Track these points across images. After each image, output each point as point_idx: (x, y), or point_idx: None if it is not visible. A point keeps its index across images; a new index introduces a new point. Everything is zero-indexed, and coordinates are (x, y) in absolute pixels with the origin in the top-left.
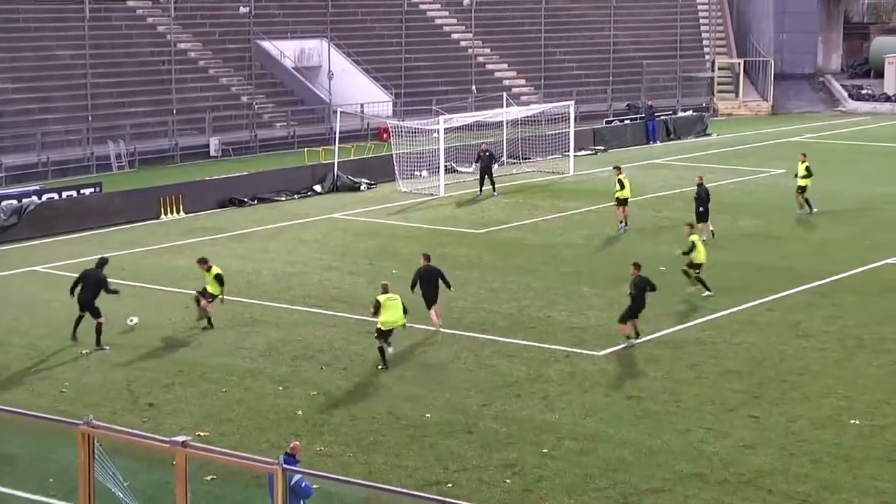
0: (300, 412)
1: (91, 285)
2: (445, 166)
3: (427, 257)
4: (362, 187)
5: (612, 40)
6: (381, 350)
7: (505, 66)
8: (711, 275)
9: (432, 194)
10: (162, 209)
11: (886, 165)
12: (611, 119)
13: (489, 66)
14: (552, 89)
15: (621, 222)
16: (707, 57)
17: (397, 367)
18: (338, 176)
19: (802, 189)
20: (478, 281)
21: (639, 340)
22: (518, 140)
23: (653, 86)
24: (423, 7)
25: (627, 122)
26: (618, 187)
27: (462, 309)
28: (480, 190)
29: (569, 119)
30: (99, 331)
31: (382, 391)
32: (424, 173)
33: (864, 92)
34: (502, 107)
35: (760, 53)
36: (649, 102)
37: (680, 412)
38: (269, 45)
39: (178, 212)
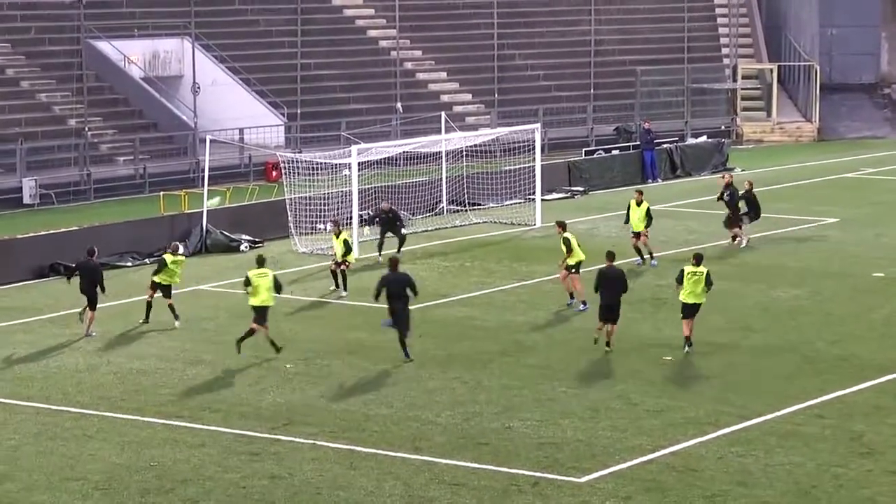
0: None
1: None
2: (361, 216)
3: (395, 262)
4: (243, 247)
5: (594, 38)
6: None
7: (443, 74)
8: (733, 362)
9: None
10: None
11: None
12: (593, 149)
13: (421, 76)
14: (510, 107)
15: (572, 297)
16: (727, 61)
17: (287, 499)
18: (208, 231)
19: (637, 235)
20: (408, 378)
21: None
22: (463, 179)
23: (651, 102)
24: None
25: (616, 152)
26: (564, 250)
27: (386, 419)
28: (380, 252)
29: (534, 149)
30: None
31: None
32: (330, 226)
33: None
34: (440, 132)
35: (801, 56)
36: (646, 125)
37: None
38: (107, 47)
39: None
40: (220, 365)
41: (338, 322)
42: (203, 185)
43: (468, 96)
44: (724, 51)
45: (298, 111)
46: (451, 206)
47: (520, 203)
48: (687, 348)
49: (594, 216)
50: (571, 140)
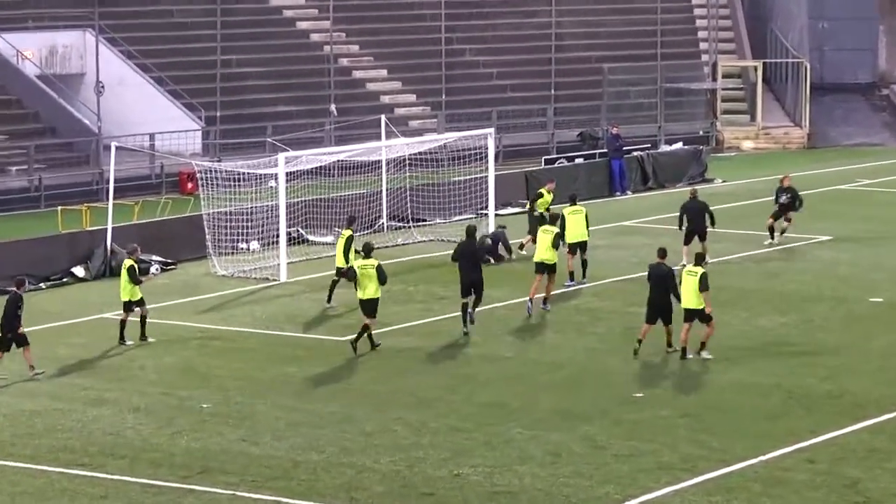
0: None
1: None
2: (290, 234)
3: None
4: (153, 269)
5: (555, 32)
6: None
7: (384, 72)
8: (712, 400)
9: (269, 279)
10: None
11: None
12: (554, 157)
13: (358, 74)
14: (460, 110)
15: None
16: (705, 58)
17: None
18: (112, 251)
19: (574, 247)
20: (342, 420)
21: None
22: (406, 191)
23: (620, 104)
24: None
25: (580, 161)
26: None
27: (316, 465)
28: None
29: (486, 157)
30: None
31: None
32: (255, 246)
33: None
34: (379, 138)
35: (789, 53)
36: (614, 131)
37: None
38: None
39: None
40: (126, 404)
41: (263, 355)
42: (108, 199)
43: (412, 97)
44: (703, 46)
45: (218, 114)
46: (393, 223)
47: (470, 218)
48: (689, 355)
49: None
50: (529, 147)
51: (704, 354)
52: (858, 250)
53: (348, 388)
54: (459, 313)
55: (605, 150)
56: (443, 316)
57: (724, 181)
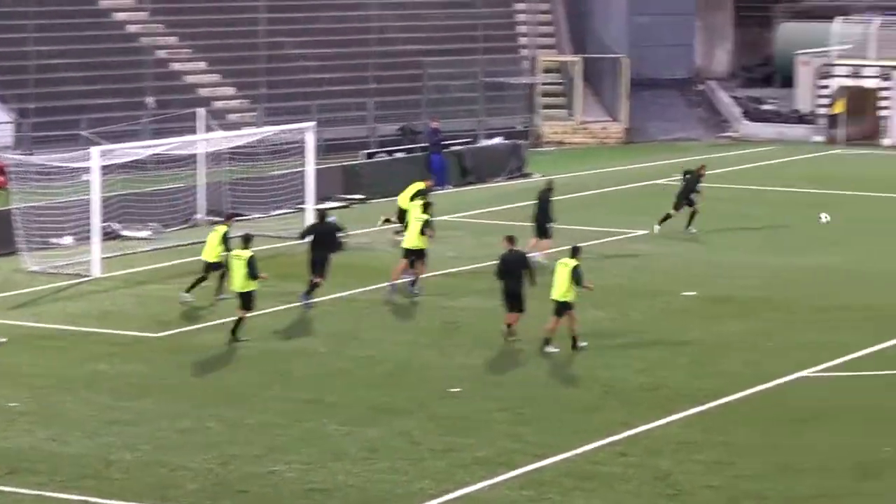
0: None
1: None
2: (104, 229)
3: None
4: None
5: (376, 25)
6: None
7: (202, 65)
8: (529, 394)
9: (81, 275)
10: None
11: (806, 224)
12: (374, 151)
13: (176, 66)
14: (280, 103)
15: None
16: (525, 53)
17: None
18: None
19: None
20: (154, 416)
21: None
22: (223, 185)
23: (440, 98)
24: None
25: (401, 155)
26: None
27: (129, 464)
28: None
29: (306, 151)
30: None
31: None
32: (68, 240)
33: (765, 108)
34: (197, 131)
35: (608, 48)
36: (434, 125)
37: None
38: None
39: None
40: None
41: (75, 352)
42: None
43: (231, 90)
44: (523, 41)
45: (31, 107)
46: (209, 217)
47: (289, 214)
48: (548, 348)
49: (371, 228)
50: (350, 141)
51: (580, 344)
52: (674, 245)
53: (162, 385)
54: (274, 308)
55: (425, 145)
56: (258, 312)
57: (542, 175)
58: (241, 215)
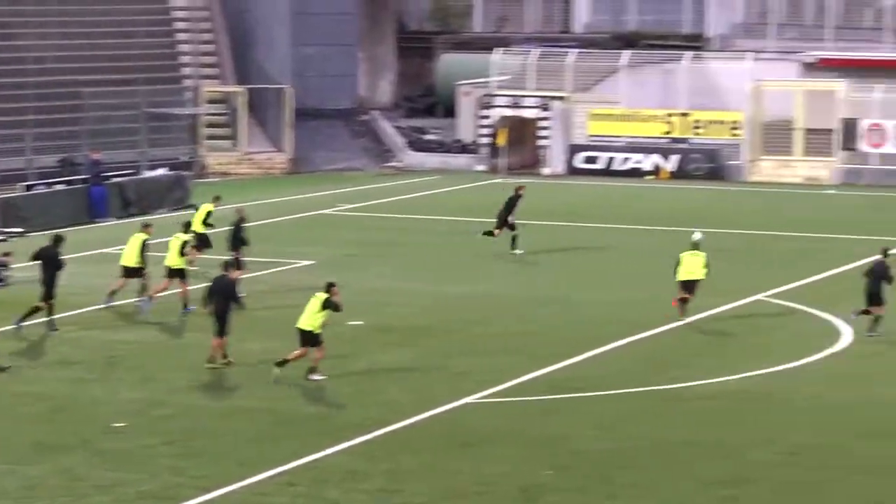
0: None
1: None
2: None
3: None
4: None
5: (33, 55)
6: None
7: None
8: (196, 426)
9: None
10: None
11: (467, 252)
12: (34, 183)
13: None
14: None
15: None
16: (188, 83)
17: None
18: None
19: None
20: None
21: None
22: None
23: (101, 129)
24: None
25: (61, 187)
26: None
27: None
28: None
29: None
30: None
31: None
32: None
33: (428, 138)
34: None
35: (272, 79)
36: (94, 156)
37: None
38: None
39: None
40: None
41: None
42: None
43: None
44: (186, 71)
45: None
46: None
47: None
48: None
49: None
50: (7, 173)
51: (315, 377)
52: (341, 274)
53: None
54: None
55: (86, 177)
56: None
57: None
58: None
